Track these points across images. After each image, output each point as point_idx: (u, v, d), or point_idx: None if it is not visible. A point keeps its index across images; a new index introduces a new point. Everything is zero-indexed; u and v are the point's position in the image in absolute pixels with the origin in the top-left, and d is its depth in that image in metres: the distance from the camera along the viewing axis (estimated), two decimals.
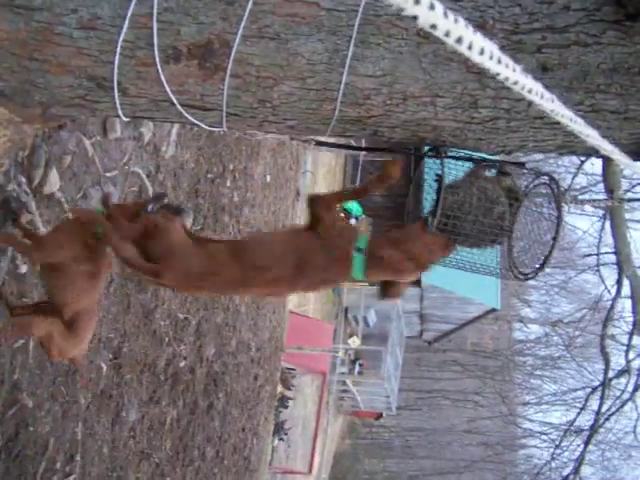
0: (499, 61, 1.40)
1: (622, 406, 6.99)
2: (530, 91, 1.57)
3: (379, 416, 26.03)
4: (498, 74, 1.44)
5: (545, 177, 3.12)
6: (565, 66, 2.57)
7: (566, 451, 9.63)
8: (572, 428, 8.84)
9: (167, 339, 6.60)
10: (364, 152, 15.66)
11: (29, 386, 4.12)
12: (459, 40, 1.27)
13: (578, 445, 8.91)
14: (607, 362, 6.23)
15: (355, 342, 19.37)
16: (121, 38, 2.54)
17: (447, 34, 1.25)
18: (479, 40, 1.31)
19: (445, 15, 1.21)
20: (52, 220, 4.09)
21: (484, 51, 1.34)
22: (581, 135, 1.92)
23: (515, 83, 1.50)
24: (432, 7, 1.18)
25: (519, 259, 3.21)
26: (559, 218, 2.97)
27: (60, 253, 3.21)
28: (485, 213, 2.99)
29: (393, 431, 36.79)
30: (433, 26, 1.21)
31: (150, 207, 3.10)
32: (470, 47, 1.30)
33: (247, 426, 10.17)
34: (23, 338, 3.99)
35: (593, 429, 6.98)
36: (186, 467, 7.44)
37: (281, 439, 13.60)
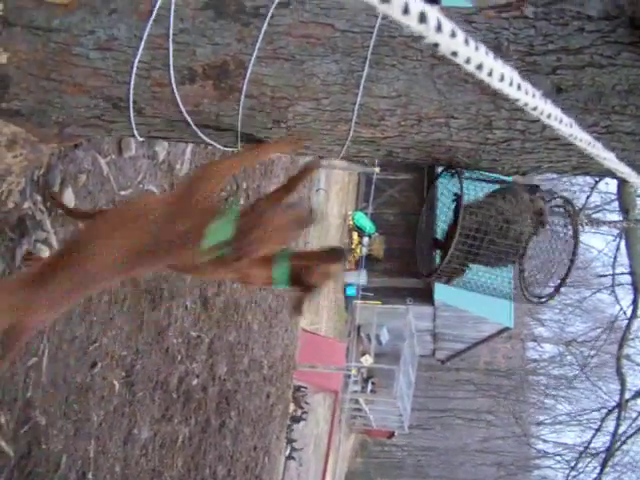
0: (519, 87, 1.41)
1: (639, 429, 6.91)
2: (549, 116, 1.57)
3: (391, 435, 25.84)
4: (518, 100, 1.44)
5: (560, 199, 3.10)
6: (580, 87, 2.57)
7: (582, 473, 9.51)
8: (588, 450, 8.74)
9: (180, 357, 6.59)
10: (377, 170, 15.67)
11: (42, 404, 4.12)
12: (479, 67, 1.28)
13: (594, 467, 8.81)
14: (623, 383, 6.16)
15: (367, 360, 19.25)
16: (137, 59, 2.56)
17: (468, 61, 1.25)
18: (499, 67, 1.32)
19: (466, 42, 1.22)
20: (67, 238, 4.10)
21: (504, 77, 1.35)
22: (598, 158, 1.92)
23: (534, 108, 1.50)
24: (453, 35, 1.18)
25: (531, 278, 3.20)
26: (576, 241, 2.96)
27: None
28: (502, 234, 2.98)
29: (405, 450, 36.53)
30: (454, 53, 1.22)
31: None
32: (490, 74, 1.31)
33: (259, 445, 10.12)
34: (37, 356, 4.00)
35: (609, 451, 6.89)
36: None
37: (292, 457, 13.52)
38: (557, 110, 1.58)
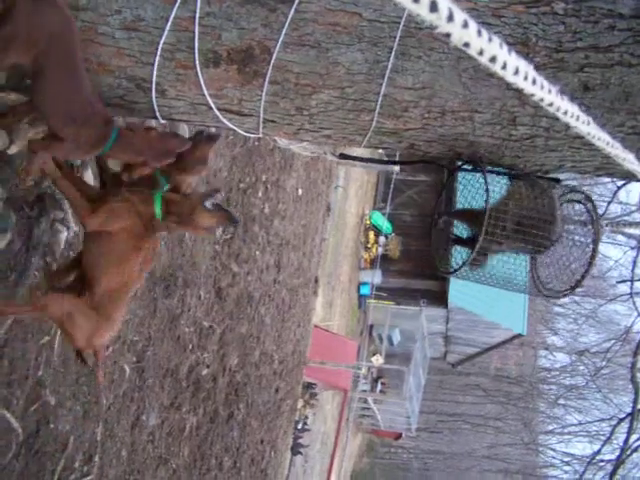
0: (534, 82, 1.37)
1: None
2: (565, 113, 1.53)
3: (398, 436, 25.74)
4: (533, 95, 1.41)
5: (579, 194, 3.05)
6: (607, 86, 2.54)
7: None
8: (596, 460, 8.68)
9: (191, 346, 6.60)
10: (397, 170, 15.61)
11: (52, 383, 4.14)
12: (493, 59, 1.24)
13: (602, 477, 8.75)
14: (637, 392, 6.09)
15: (378, 360, 19.22)
16: (162, 40, 2.55)
17: (481, 52, 1.22)
18: (513, 60, 1.28)
19: (479, 33, 1.19)
20: None
21: (519, 71, 1.31)
22: (617, 159, 1.88)
23: (550, 104, 1.46)
24: (466, 25, 1.15)
25: (547, 285, 3.15)
26: (596, 235, 2.92)
27: (115, 222, 3.13)
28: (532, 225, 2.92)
29: (412, 452, 36.41)
30: (466, 44, 1.19)
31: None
32: (504, 67, 1.28)
33: (266, 438, 10.12)
34: (49, 334, 4.02)
35: (618, 462, 6.82)
36: (203, 475, 7.41)
37: (299, 452, 13.51)
38: (574, 107, 1.55)
